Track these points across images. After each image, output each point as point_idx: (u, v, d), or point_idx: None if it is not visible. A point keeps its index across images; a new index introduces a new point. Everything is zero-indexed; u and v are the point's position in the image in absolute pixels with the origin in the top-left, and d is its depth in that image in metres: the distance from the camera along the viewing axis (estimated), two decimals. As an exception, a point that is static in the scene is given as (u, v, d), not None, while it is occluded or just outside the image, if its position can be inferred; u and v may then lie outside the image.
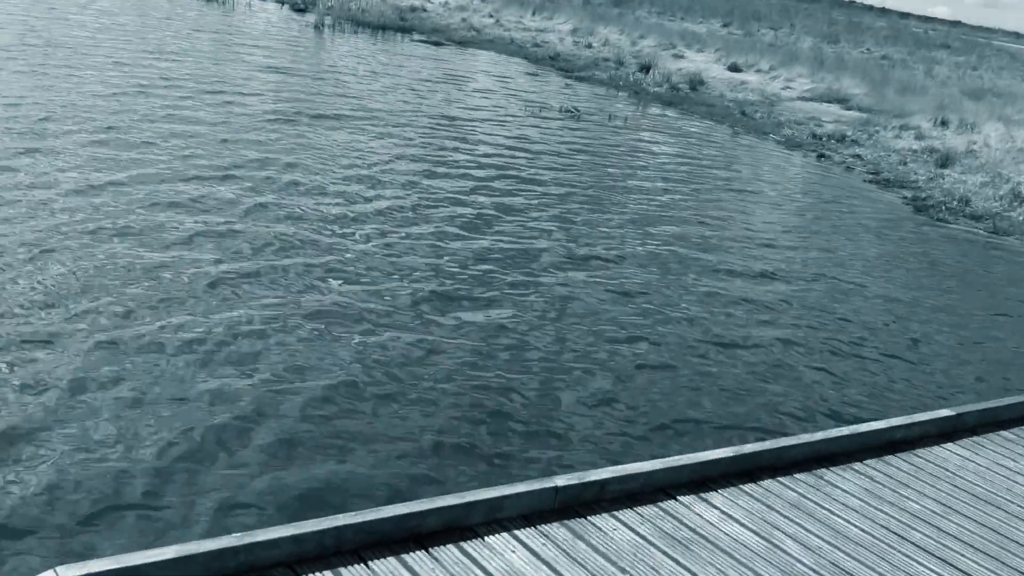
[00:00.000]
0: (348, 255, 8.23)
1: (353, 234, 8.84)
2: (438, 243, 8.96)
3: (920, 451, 4.41)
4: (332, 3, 33.41)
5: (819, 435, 4.23)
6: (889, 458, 4.30)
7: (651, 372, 6.72)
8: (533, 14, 40.42)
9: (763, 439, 4.55)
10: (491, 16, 38.18)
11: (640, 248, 9.82)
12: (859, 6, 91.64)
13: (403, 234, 9.07)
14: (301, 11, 32.55)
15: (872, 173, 16.47)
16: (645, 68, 26.37)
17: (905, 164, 17.01)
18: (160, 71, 16.42)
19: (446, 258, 8.54)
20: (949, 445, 4.56)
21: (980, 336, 8.72)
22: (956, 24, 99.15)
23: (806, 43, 38.97)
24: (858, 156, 17.75)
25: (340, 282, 7.58)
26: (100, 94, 13.61)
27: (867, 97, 23.79)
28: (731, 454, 3.88)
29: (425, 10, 37.85)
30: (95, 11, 23.81)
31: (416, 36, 30.09)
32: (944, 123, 20.26)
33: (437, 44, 28.92)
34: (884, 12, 70.79)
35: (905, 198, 14.72)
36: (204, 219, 8.58)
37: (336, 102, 16.19)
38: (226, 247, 7.95)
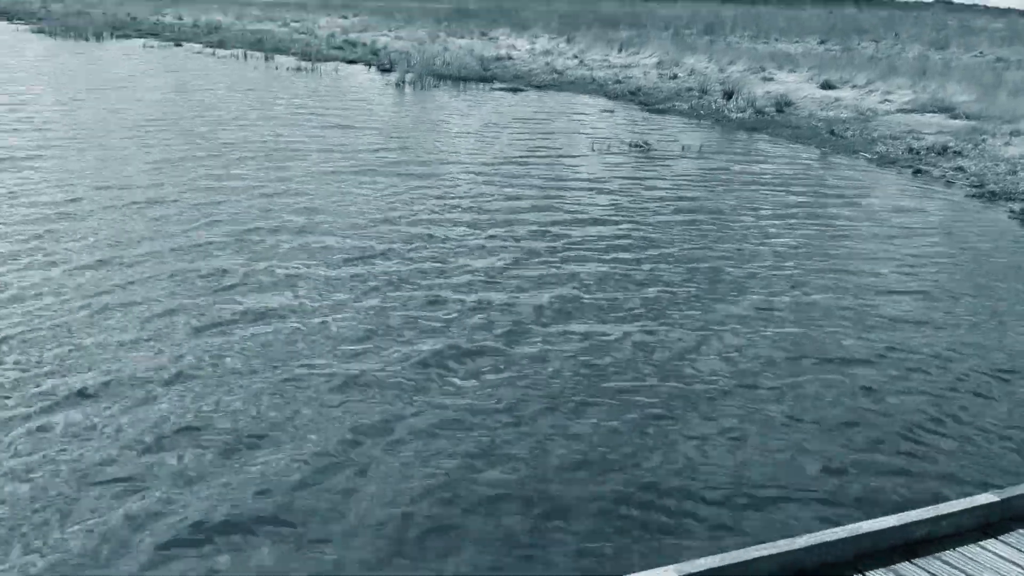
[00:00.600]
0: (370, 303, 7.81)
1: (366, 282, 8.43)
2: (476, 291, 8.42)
3: (948, 553, 3.41)
4: (416, 60, 34.02)
5: (802, 540, 3.31)
6: (902, 566, 3.33)
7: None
8: (619, 51, 39.86)
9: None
10: (575, 57, 37.89)
11: (705, 280, 8.95)
12: (977, 8, 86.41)
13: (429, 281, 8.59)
14: (386, 71, 33.24)
15: (976, 186, 14.82)
16: (728, 94, 25.24)
17: (1015, 173, 15.25)
18: (228, 138, 16.95)
19: (484, 306, 7.98)
20: (990, 543, 3.52)
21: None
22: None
23: (912, 52, 36.59)
24: (960, 168, 16.08)
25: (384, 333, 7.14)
26: (155, 162, 14.10)
27: (975, 104, 21.79)
28: None
29: (510, 58, 37.99)
30: (182, 88, 24.99)
31: (497, 85, 30.12)
32: (1064, 125, 18.22)
33: (515, 90, 28.81)
34: (1004, 12, 66.23)
35: (1012, 212, 13.10)
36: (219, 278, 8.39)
37: (394, 154, 16.18)
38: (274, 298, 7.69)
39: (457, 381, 6.76)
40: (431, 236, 10.70)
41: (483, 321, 7.92)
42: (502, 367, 7.02)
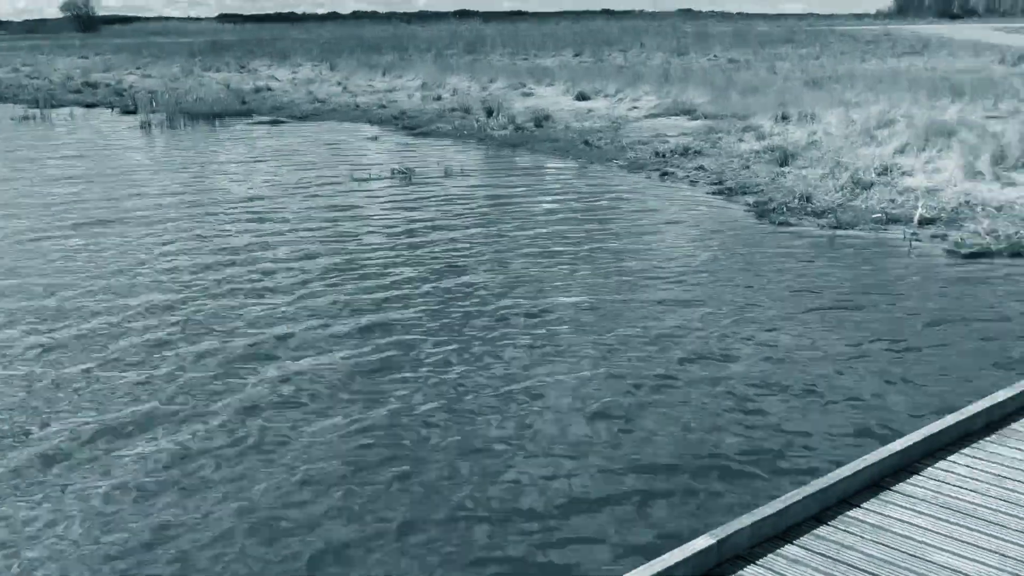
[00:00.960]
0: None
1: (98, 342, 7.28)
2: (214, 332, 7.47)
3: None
4: (167, 97, 31.82)
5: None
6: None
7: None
8: (383, 75, 39.56)
9: None
10: (339, 84, 37.13)
11: (456, 297, 8.54)
12: (714, 14, 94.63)
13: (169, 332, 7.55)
14: (131, 112, 30.75)
15: (715, 183, 15.68)
16: (489, 112, 25.50)
17: (747, 168, 16.32)
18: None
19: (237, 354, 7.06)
20: None
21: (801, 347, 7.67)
22: (805, 16, 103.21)
23: (655, 60, 39.04)
24: (702, 167, 17.00)
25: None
26: None
27: (711, 105, 23.35)
28: None
29: (270, 89, 36.57)
30: None
31: (256, 118, 28.79)
32: (785, 118, 19.84)
33: (276, 123, 27.62)
34: (733, 17, 72.85)
35: (747, 204, 13.89)
36: None
37: (129, 203, 14.76)
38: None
39: (139, 446, 5.92)
40: (151, 286, 9.66)
41: (193, 372, 7.09)
42: (200, 421, 6.29)
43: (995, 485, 3.97)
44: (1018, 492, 3.92)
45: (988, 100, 19.98)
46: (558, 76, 33.21)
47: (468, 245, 11.69)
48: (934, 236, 11.36)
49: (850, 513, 3.77)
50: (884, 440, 5.66)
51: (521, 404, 6.73)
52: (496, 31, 62.74)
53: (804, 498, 3.74)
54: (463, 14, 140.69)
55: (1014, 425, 4.53)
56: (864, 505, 3.82)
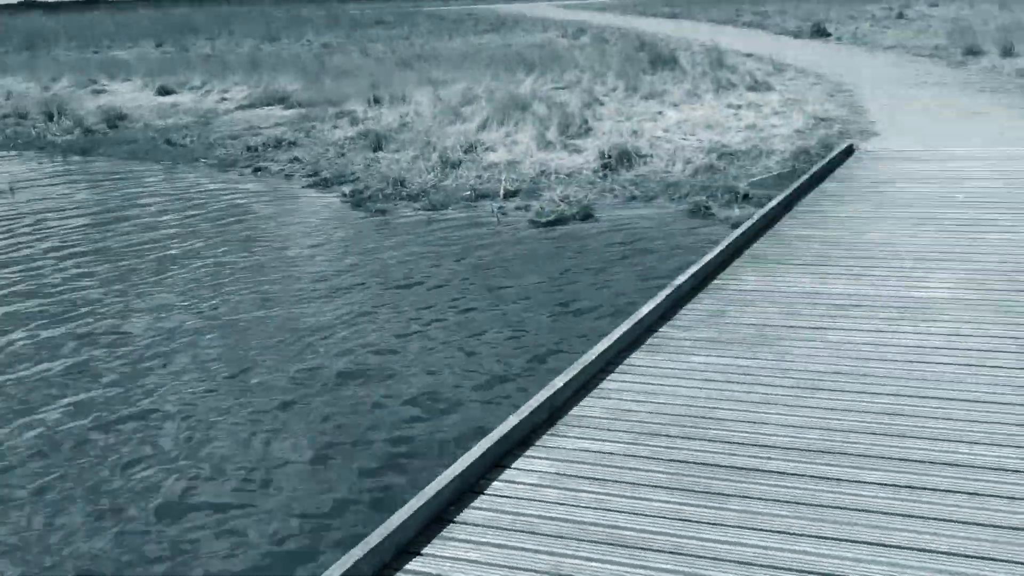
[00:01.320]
0: None
1: None
2: None
3: None
4: None
5: None
6: None
7: None
8: (-91, 81, 32.61)
9: None
10: None
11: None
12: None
13: None
14: None
15: (311, 175, 14.94)
16: (50, 116, 22.07)
17: (343, 156, 15.80)
18: None
19: None
20: None
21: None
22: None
23: (245, 48, 37.02)
24: (296, 159, 16.14)
25: None
26: None
27: (305, 91, 22.48)
28: None
29: None
30: None
31: None
32: (378, 101, 19.69)
33: None
34: (323, 0, 72.14)
35: (343, 195, 13.35)
36: None
37: None
38: None
39: None
40: None
41: None
42: None
43: (555, 487, 3.75)
44: (574, 490, 3.72)
45: (555, 72, 21.69)
46: (136, 70, 29.93)
47: (20, 279, 9.63)
48: (518, 208, 11.77)
49: (409, 565, 3.27)
50: (463, 434, 5.40)
51: (46, 456, 5.45)
52: (62, 23, 55.21)
53: (356, 562, 3.16)
54: (29, 5, 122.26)
55: (573, 411, 4.43)
56: (425, 550, 3.35)
